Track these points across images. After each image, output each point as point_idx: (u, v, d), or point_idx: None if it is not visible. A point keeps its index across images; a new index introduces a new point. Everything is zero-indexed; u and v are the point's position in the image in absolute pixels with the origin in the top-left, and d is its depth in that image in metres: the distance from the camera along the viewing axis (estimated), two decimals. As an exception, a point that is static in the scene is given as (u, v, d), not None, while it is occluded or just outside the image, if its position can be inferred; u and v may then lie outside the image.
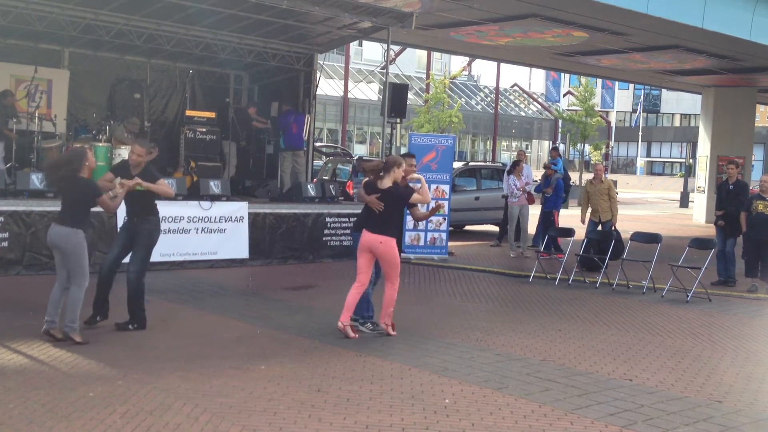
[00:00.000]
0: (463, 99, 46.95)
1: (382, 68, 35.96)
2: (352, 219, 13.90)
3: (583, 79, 42.62)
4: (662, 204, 42.83)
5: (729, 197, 12.78)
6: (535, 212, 16.16)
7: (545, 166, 16.88)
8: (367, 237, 7.90)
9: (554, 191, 15.84)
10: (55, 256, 7.43)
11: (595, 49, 20.98)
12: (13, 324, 7.84)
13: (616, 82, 60.09)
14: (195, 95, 16.48)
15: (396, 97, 15.31)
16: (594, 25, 17.55)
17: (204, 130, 14.65)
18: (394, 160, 8.11)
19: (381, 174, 8.01)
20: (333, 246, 13.71)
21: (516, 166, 15.79)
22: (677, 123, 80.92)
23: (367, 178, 8.29)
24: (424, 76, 46.23)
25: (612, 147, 64.54)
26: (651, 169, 79.35)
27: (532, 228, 16.39)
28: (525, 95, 58.86)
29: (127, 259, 7.92)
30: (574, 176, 37.47)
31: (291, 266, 12.91)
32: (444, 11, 16.71)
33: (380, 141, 37.12)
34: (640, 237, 12.64)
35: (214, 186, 12.56)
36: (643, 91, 72.81)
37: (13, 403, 5.51)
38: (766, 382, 7.12)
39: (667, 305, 10.82)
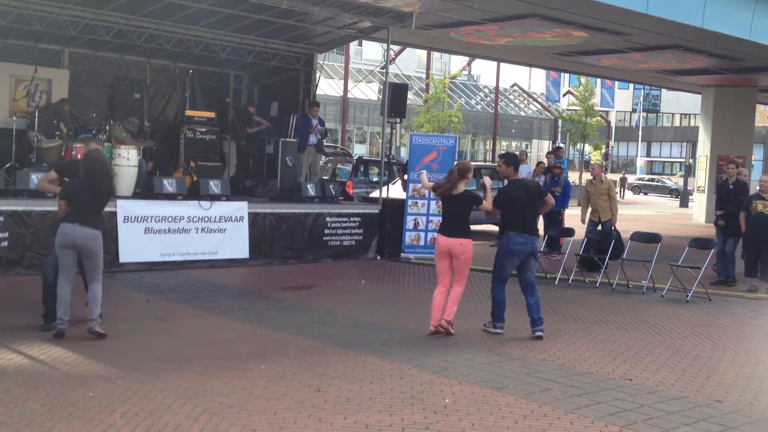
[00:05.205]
0: (463, 99, 46.93)
1: (382, 68, 35.96)
2: (352, 219, 13.94)
3: (583, 79, 42.68)
4: (662, 204, 42.85)
5: (729, 197, 12.78)
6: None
7: (553, 166, 16.90)
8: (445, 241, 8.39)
9: (562, 190, 15.90)
10: (68, 255, 7.37)
11: (595, 49, 20.98)
12: (13, 324, 7.84)
13: (616, 82, 60.15)
14: (195, 95, 16.48)
15: (396, 97, 15.27)
16: (594, 25, 17.55)
17: (204, 130, 14.66)
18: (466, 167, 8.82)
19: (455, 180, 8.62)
20: (333, 246, 13.72)
21: (538, 166, 16.17)
22: (677, 123, 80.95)
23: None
24: (424, 75, 46.24)
25: (612, 147, 64.55)
26: (651, 169, 79.33)
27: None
28: (525, 95, 58.82)
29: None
30: (574, 176, 37.49)
31: (291, 266, 12.91)
32: (444, 11, 16.71)
33: (380, 141, 37.15)
34: (640, 237, 12.63)
35: (214, 186, 12.55)
36: (643, 90, 72.83)
37: (13, 403, 5.51)
38: (766, 382, 7.11)
39: (667, 305, 10.82)
